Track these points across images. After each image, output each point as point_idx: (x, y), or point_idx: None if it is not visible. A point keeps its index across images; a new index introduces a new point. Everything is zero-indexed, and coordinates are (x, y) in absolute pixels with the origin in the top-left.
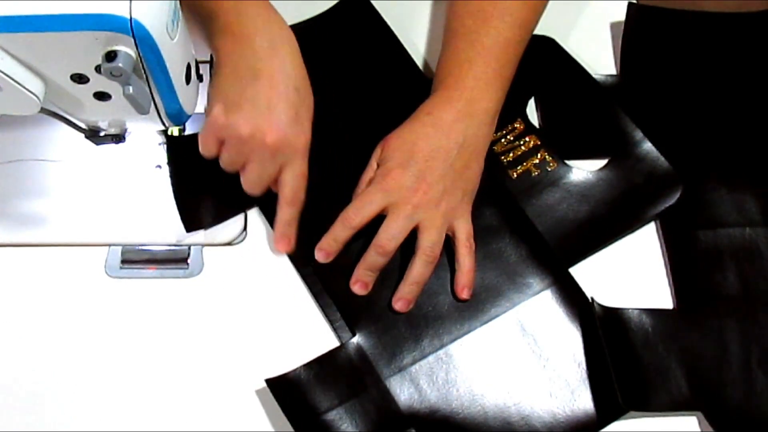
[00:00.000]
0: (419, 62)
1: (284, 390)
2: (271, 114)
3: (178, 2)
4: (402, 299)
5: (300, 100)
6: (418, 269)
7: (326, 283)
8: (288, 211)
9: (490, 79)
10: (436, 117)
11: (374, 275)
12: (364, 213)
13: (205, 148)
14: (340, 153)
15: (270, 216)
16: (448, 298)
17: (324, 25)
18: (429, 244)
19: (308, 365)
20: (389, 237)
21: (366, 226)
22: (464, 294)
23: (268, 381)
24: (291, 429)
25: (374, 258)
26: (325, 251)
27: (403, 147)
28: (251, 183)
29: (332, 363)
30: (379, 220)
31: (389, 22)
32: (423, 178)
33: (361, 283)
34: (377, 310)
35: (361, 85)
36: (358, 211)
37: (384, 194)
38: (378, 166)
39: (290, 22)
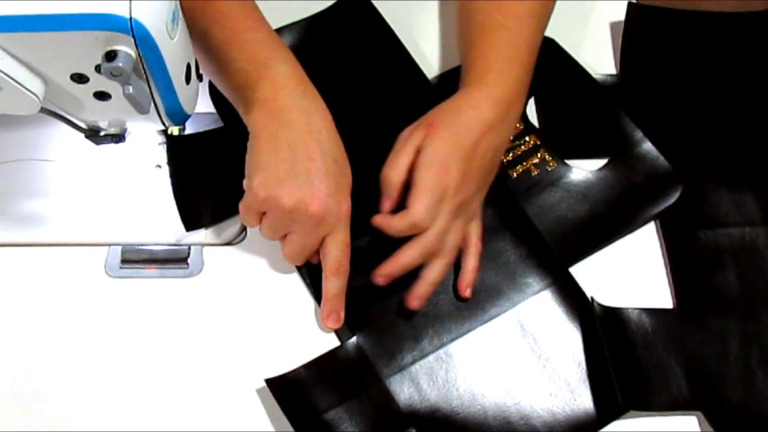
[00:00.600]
0: (419, 61)
1: (284, 390)
2: (312, 185)
3: (178, 2)
4: (419, 298)
5: (339, 171)
6: (438, 270)
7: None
8: (335, 282)
9: (524, 82)
10: (481, 116)
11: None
12: (406, 262)
13: (247, 221)
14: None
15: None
16: (448, 298)
17: (323, 24)
18: (451, 248)
19: (308, 365)
20: (423, 214)
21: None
22: (467, 293)
23: (268, 381)
24: (291, 429)
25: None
26: (387, 276)
27: (448, 141)
28: (293, 254)
29: (332, 363)
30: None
31: (389, 21)
32: (464, 178)
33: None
34: (377, 310)
35: (360, 84)
36: (404, 264)
37: (420, 249)
38: (418, 150)
39: (290, 22)
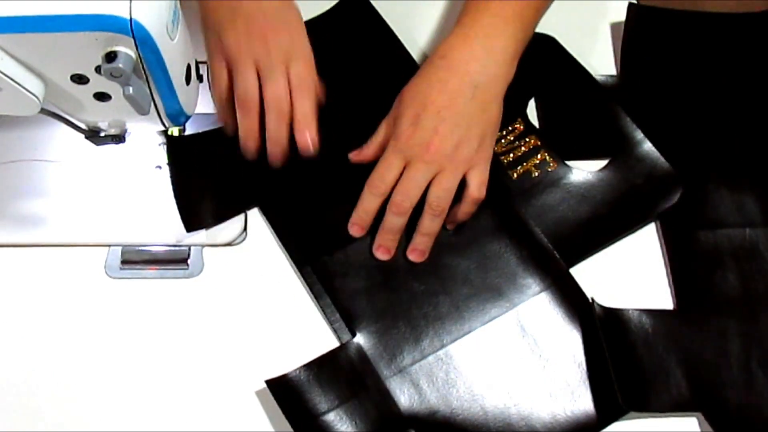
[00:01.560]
0: (419, 60)
1: (284, 391)
2: (266, 18)
3: (178, 2)
4: (415, 250)
5: (287, 7)
6: (426, 223)
7: (326, 284)
8: (302, 103)
9: (508, 17)
10: (450, 59)
11: (396, 238)
12: (388, 178)
13: (218, 80)
14: (342, 152)
15: (270, 217)
16: (449, 298)
17: (324, 26)
18: (434, 198)
19: (308, 366)
20: (403, 195)
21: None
22: (449, 226)
23: (268, 382)
24: (291, 430)
25: (392, 219)
26: (358, 225)
27: (416, 99)
28: (274, 103)
29: (332, 363)
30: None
31: (389, 21)
32: (435, 132)
33: (383, 248)
34: (377, 310)
35: (362, 84)
36: (382, 177)
37: (400, 155)
38: (395, 121)
39: None
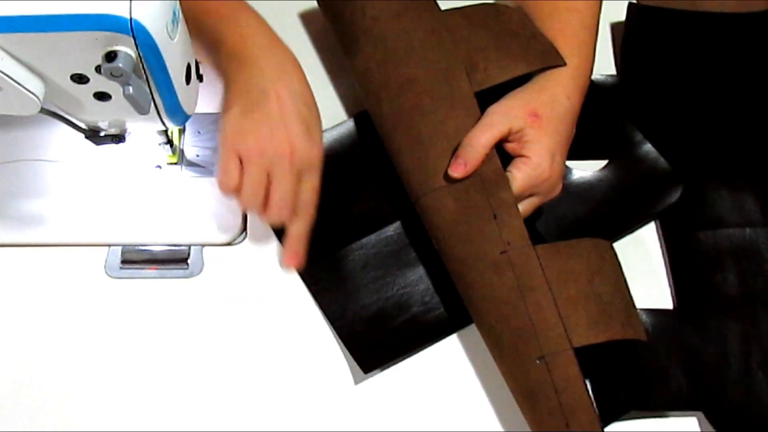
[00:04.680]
0: None
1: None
2: (286, 126)
3: (178, 2)
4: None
5: (310, 115)
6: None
7: (326, 283)
8: (299, 225)
9: (593, 64)
10: (573, 106)
11: None
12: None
13: (226, 173)
14: (341, 154)
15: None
16: (449, 297)
17: None
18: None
19: None
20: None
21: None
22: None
23: None
24: (291, 430)
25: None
26: (464, 159)
27: (553, 136)
28: (277, 205)
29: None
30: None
31: None
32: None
33: None
34: (377, 310)
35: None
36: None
37: (532, 186)
38: (515, 131)
39: (288, 22)
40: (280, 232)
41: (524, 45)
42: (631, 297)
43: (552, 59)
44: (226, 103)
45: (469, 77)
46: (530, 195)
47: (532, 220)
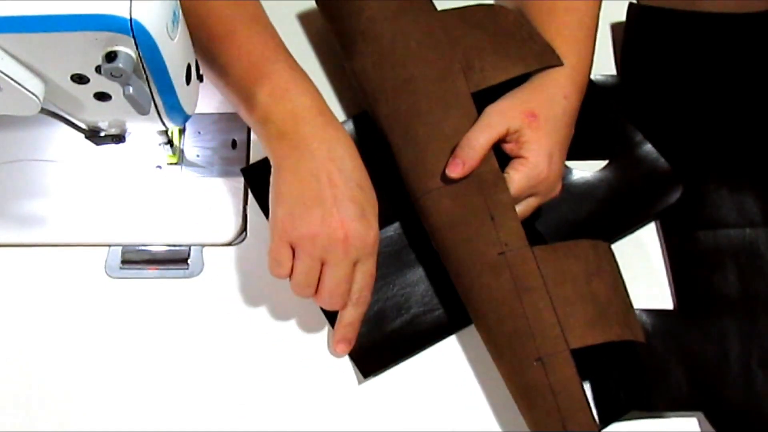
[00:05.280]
0: None
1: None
2: (339, 210)
3: (178, 2)
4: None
5: (364, 197)
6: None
7: None
8: (352, 311)
9: (592, 63)
10: (571, 107)
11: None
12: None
13: (277, 263)
14: None
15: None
16: (448, 298)
17: None
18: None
19: None
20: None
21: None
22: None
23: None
24: (293, 430)
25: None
26: (462, 159)
27: (551, 137)
28: (329, 291)
29: None
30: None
31: None
32: (558, 173)
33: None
34: (376, 310)
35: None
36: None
37: (530, 187)
38: (513, 132)
39: (288, 22)
40: (331, 315)
41: (521, 46)
42: (629, 299)
43: (549, 59)
44: (277, 187)
45: (466, 78)
46: (529, 195)
47: (531, 221)
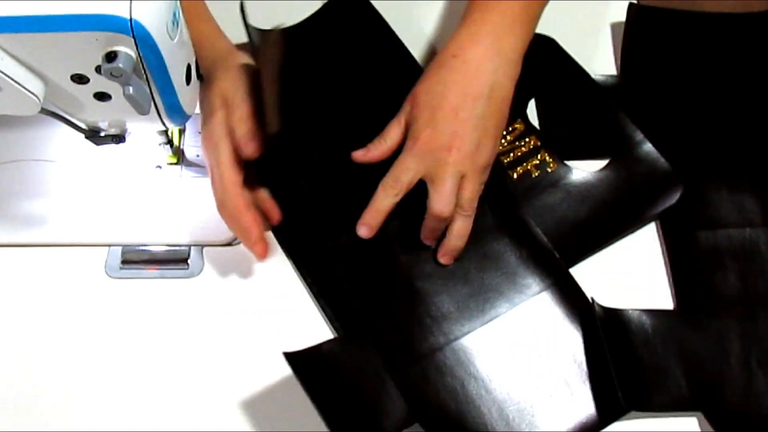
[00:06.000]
0: (416, 54)
1: (307, 365)
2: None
3: (178, 2)
4: (447, 254)
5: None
6: (460, 225)
7: (326, 283)
8: (384, 198)
9: (516, 15)
10: (462, 59)
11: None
12: (403, 181)
13: (384, 136)
14: (342, 150)
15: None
16: (449, 298)
17: (319, 23)
18: (466, 201)
19: (323, 343)
20: (444, 203)
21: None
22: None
23: (288, 354)
24: (289, 430)
25: (434, 224)
26: (368, 225)
27: (432, 102)
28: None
29: (332, 357)
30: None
31: (385, 15)
32: (455, 134)
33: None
34: (377, 311)
35: (361, 80)
36: (397, 178)
37: (418, 159)
38: (407, 123)
39: (287, 22)
40: (280, 231)
41: None
42: None
43: None
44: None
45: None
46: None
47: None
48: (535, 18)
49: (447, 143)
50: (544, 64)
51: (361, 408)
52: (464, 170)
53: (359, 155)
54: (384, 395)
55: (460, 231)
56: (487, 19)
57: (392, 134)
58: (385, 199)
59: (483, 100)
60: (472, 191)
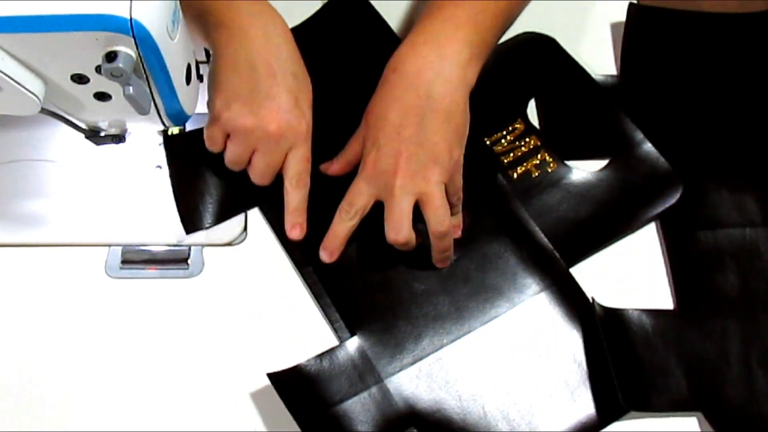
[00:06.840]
0: None
1: (286, 385)
2: (272, 102)
3: (178, 2)
4: (438, 262)
5: (298, 86)
6: (438, 245)
7: (326, 284)
8: (295, 195)
9: (460, 21)
10: (401, 72)
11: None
12: (357, 205)
13: (212, 143)
14: (341, 149)
15: (270, 217)
16: (449, 298)
17: (319, 23)
18: (435, 224)
19: (310, 361)
20: (396, 230)
21: (366, 221)
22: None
23: (271, 375)
24: (289, 430)
25: (403, 249)
26: (328, 250)
27: (376, 123)
28: (259, 173)
29: (332, 360)
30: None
31: (384, 16)
32: (399, 155)
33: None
34: (377, 310)
35: (360, 80)
36: (351, 204)
37: (369, 183)
38: (364, 140)
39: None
40: (281, 231)
41: None
42: None
43: None
44: (215, 76)
45: None
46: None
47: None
48: (489, 24)
49: (392, 166)
50: (544, 64)
51: (340, 424)
52: (417, 189)
53: (324, 167)
54: (364, 407)
55: (439, 250)
56: (428, 29)
57: (351, 150)
58: (341, 223)
59: (426, 113)
60: (437, 207)
